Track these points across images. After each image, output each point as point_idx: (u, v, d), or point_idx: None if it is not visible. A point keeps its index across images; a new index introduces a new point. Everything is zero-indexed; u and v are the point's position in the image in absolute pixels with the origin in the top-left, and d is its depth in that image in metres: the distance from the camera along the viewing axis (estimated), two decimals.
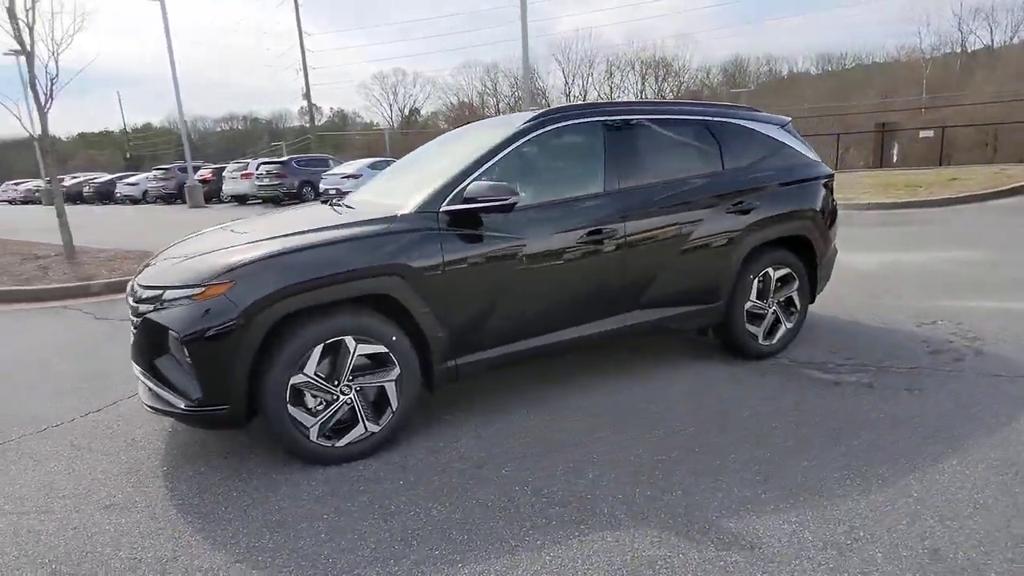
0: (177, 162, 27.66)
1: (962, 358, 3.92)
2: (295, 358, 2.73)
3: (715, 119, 3.93)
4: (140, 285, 2.94)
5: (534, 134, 3.39)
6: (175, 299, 2.72)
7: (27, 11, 7.98)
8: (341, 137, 59.62)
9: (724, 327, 3.95)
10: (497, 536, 2.33)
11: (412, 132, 52.53)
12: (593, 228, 3.35)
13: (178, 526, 2.48)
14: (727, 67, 57.18)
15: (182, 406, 2.73)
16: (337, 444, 2.88)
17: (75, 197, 30.27)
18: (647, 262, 3.55)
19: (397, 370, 2.94)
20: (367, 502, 2.60)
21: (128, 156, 62.35)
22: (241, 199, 22.20)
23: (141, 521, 2.53)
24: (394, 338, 2.91)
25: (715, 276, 3.77)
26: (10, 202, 35.39)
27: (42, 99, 8.20)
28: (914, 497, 2.46)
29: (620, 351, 4.28)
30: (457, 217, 3.07)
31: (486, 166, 3.21)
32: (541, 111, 3.54)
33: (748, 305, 3.93)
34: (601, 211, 3.40)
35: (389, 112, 64.92)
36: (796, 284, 4.09)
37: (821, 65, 57.52)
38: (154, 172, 26.94)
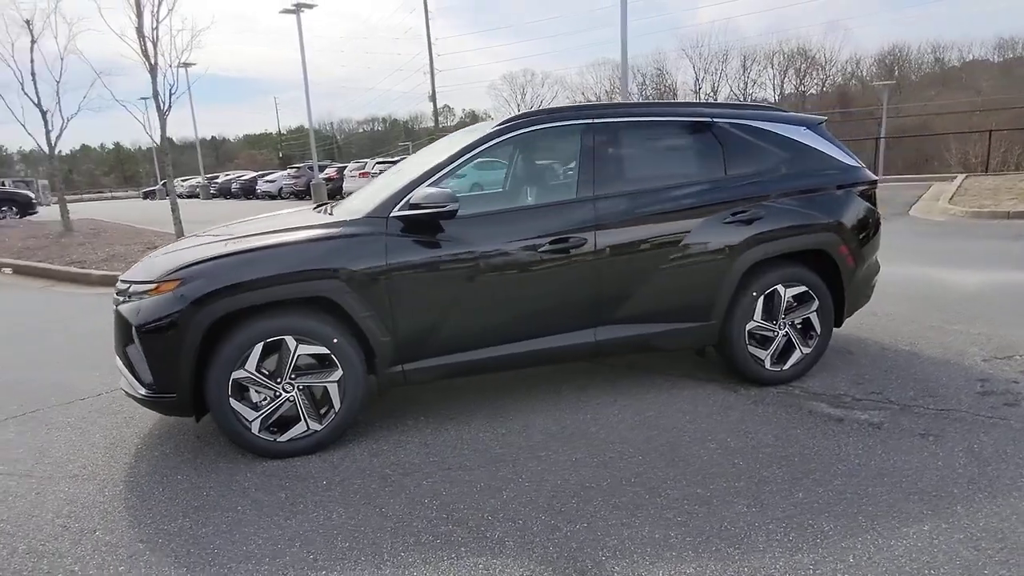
0: (322, 161, 30.18)
1: (1017, 403, 3.29)
2: (236, 354, 2.87)
3: (720, 120, 3.58)
4: (120, 280, 3.23)
5: (501, 139, 3.30)
6: (137, 293, 2.97)
7: (153, 30, 9.07)
8: None
9: (722, 348, 3.61)
10: (375, 548, 2.31)
11: None
12: (557, 237, 3.19)
13: (115, 502, 2.71)
14: (884, 57, 51.96)
15: (141, 392, 2.97)
16: (279, 439, 2.99)
17: (225, 192, 33.96)
18: (621, 274, 3.32)
19: (340, 371, 3.00)
20: (283, 498, 2.68)
21: (281, 156, 68.81)
22: None
23: (91, 493, 2.79)
24: (335, 340, 2.97)
25: (706, 292, 3.45)
26: (178, 196, 40.36)
27: (163, 107, 9.28)
28: (848, 563, 2.10)
29: (610, 367, 4.05)
30: (408, 223, 3.07)
31: (443, 172, 3.18)
32: (514, 115, 3.44)
33: (751, 326, 3.54)
34: (568, 219, 3.23)
35: (517, 112, 66.15)
36: (815, 305, 3.63)
37: (1001, 52, 50.59)
38: (288, 171, 29.55)
